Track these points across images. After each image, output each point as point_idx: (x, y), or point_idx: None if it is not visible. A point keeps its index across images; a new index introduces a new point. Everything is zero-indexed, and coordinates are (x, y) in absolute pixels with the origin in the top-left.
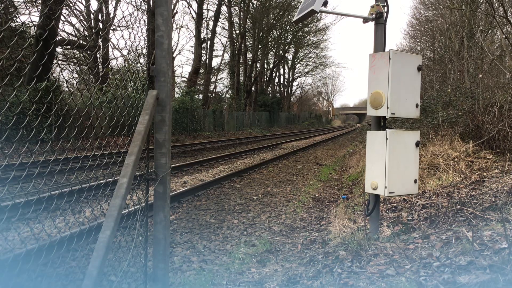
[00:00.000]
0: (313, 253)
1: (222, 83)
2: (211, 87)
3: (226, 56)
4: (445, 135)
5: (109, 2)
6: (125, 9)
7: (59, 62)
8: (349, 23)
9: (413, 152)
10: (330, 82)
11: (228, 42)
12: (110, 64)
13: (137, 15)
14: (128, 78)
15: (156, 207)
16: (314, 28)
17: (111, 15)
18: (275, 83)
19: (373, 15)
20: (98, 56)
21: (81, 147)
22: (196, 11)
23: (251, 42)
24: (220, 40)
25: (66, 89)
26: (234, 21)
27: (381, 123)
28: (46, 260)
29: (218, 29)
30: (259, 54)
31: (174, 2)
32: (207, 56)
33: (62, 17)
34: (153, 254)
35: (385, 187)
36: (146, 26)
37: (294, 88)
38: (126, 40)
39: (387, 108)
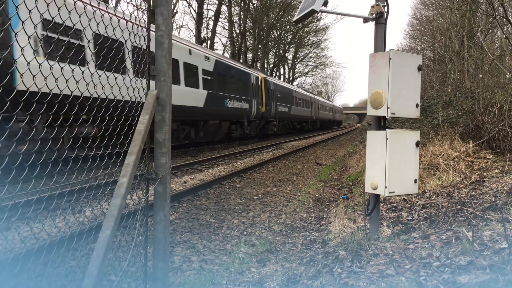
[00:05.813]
0: (313, 253)
1: None
2: None
3: (226, 56)
4: (445, 135)
5: (110, 2)
6: (125, 9)
7: None
8: (349, 23)
9: (413, 152)
10: (330, 82)
11: (228, 42)
12: None
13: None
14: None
15: (156, 207)
16: (314, 28)
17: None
18: None
19: (374, 15)
20: None
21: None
22: (196, 10)
23: (251, 41)
24: (220, 40)
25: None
26: (234, 20)
27: (381, 123)
28: (46, 260)
29: (218, 28)
30: (259, 53)
31: (174, 2)
32: None
33: None
34: (153, 253)
35: (385, 187)
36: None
37: None
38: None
39: (387, 108)
